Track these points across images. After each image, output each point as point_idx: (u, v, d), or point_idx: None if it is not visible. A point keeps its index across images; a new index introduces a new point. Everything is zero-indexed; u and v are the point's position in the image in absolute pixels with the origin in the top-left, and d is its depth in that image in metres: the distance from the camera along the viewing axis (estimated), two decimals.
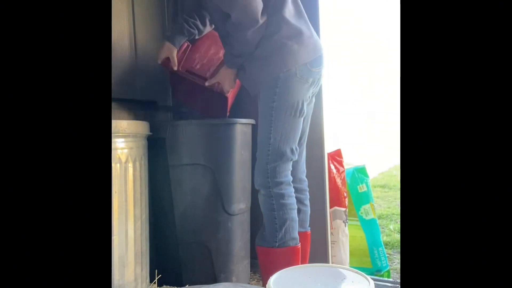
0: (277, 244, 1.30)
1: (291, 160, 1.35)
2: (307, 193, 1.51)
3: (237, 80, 1.46)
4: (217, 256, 1.47)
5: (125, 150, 1.22)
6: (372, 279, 0.93)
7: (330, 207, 1.70)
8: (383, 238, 2.33)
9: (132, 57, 1.72)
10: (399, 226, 1.76)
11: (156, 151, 1.43)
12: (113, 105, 1.53)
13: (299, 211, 1.42)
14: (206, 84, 1.49)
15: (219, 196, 1.46)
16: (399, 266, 1.94)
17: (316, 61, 1.31)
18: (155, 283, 1.42)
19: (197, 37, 1.58)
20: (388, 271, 1.80)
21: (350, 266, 1.60)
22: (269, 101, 1.31)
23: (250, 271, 1.68)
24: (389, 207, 3.38)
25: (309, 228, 1.53)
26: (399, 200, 2.78)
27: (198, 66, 1.58)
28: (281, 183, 1.32)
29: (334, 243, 1.71)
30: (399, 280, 1.65)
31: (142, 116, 1.73)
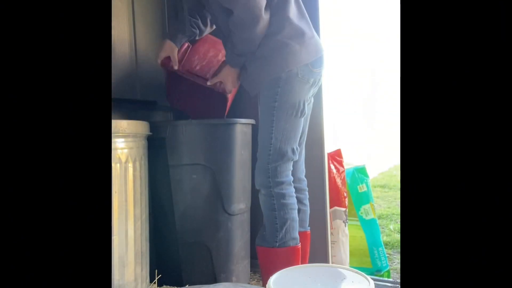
0: (277, 244, 1.30)
1: (292, 160, 1.35)
2: (307, 193, 1.52)
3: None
4: (217, 256, 1.47)
5: (125, 150, 1.22)
6: (372, 279, 0.93)
7: (330, 207, 1.70)
8: (383, 238, 2.33)
9: (132, 57, 1.72)
10: (399, 226, 1.76)
11: (156, 151, 1.43)
12: (113, 105, 1.52)
13: (298, 211, 1.42)
14: (208, 83, 1.47)
15: (219, 196, 1.46)
16: (399, 266, 1.94)
17: (317, 61, 1.32)
18: (155, 283, 1.42)
19: (197, 37, 1.57)
20: (388, 271, 1.80)
21: (350, 266, 1.60)
22: (270, 101, 1.31)
23: (250, 271, 1.68)
24: (389, 207, 3.38)
25: (309, 228, 1.53)
26: (399, 200, 2.78)
27: (198, 67, 1.57)
28: (282, 183, 1.32)
29: (334, 243, 1.71)
30: (399, 280, 1.65)
31: (142, 116, 1.73)
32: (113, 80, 1.55)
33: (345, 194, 1.75)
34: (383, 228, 2.69)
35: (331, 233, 1.70)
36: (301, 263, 1.39)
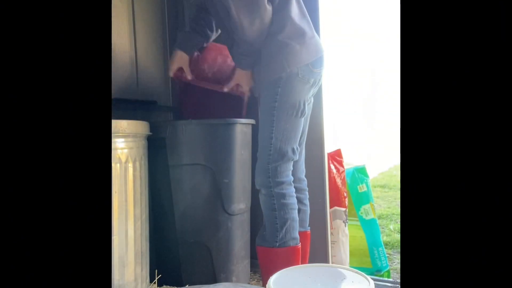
0: (277, 244, 1.30)
1: (292, 160, 1.35)
2: (307, 193, 1.52)
3: None
4: (217, 256, 1.47)
5: (125, 150, 1.22)
6: (372, 279, 0.93)
7: (330, 207, 1.70)
8: (383, 238, 2.33)
9: (132, 57, 1.72)
10: (399, 226, 1.76)
11: (156, 151, 1.43)
12: (113, 105, 1.52)
13: (298, 211, 1.42)
14: (225, 89, 1.47)
15: (219, 196, 1.46)
16: (399, 266, 1.94)
17: (318, 61, 1.32)
18: (155, 283, 1.42)
19: (205, 44, 1.56)
20: (388, 271, 1.80)
21: (350, 266, 1.60)
22: (270, 101, 1.31)
23: (250, 271, 1.68)
24: (389, 207, 3.38)
25: (309, 228, 1.53)
26: (399, 200, 2.78)
27: (210, 75, 1.57)
28: (282, 183, 1.32)
29: (334, 243, 1.71)
30: (399, 280, 1.65)
31: (142, 116, 1.73)
32: (113, 80, 1.55)
33: (345, 194, 1.75)
34: (383, 228, 2.69)
35: (331, 233, 1.70)
36: (301, 263, 1.39)
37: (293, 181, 1.39)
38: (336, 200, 1.73)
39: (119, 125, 1.18)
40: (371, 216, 1.81)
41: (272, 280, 0.92)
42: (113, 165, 1.17)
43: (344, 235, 1.73)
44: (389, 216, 3.05)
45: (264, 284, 1.25)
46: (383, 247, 1.81)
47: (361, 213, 1.81)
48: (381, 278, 1.71)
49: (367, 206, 1.82)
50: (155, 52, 1.81)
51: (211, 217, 1.46)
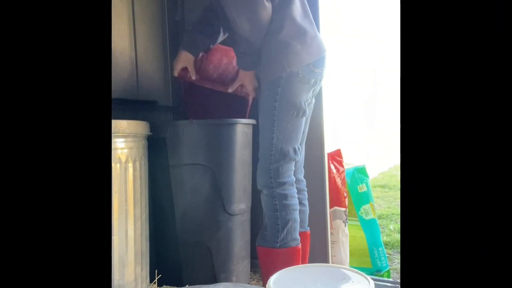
0: (278, 245, 1.30)
1: (294, 160, 1.35)
2: (306, 193, 1.52)
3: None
4: (217, 256, 1.47)
5: (125, 150, 1.22)
6: (372, 279, 0.93)
7: (330, 207, 1.70)
8: (383, 238, 2.33)
9: (132, 57, 1.72)
10: (399, 226, 1.76)
11: (156, 151, 1.43)
12: (113, 105, 1.52)
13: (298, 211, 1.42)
14: (229, 90, 1.47)
15: (219, 196, 1.46)
16: (399, 266, 1.94)
17: (319, 61, 1.31)
18: (155, 283, 1.42)
19: (212, 45, 1.56)
20: (388, 271, 1.80)
21: (350, 266, 1.60)
22: (271, 101, 1.30)
23: (250, 271, 1.68)
24: (389, 207, 3.38)
25: (309, 228, 1.53)
26: (399, 200, 2.78)
27: (215, 76, 1.57)
28: (284, 183, 1.32)
29: (334, 243, 1.71)
30: (399, 280, 1.65)
31: (142, 116, 1.73)
32: (113, 80, 1.55)
33: (345, 194, 1.75)
34: (383, 228, 2.69)
35: (331, 233, 1.70)
36: (301, 263, 1.39)
37: None
38: (336, 200, 1.73)
39: (119, 125, 1.18)
40: (371, 216, 1.81)
41: (272, 280, 0.92)
42: (113, 165, 1.17)
43: (344, 235, 1.73)
44: (389, 216, 3.05)
45: (264, 284, 1.25)
46: (383, 247, 1.81)
47: (361, 213, 1.81)
48: (381, 278, 1.71)
49: (367, 206, 1.82)
50: (155, 52, 1.81)
51: (212, 217, 1.46)
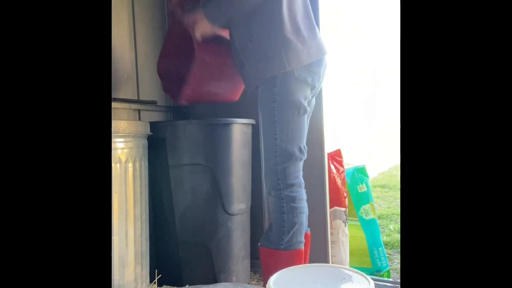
0: (282, 247, 1.28)
1: (300, 160, 1.32)
2: (305, 193, 1.51)
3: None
4: (217, 256, 1.47)
5: (125, 150, 1.22)
6: (372, 279, 0.93)
7: (330, 207, 1.70)
8: (383, 238, 2.33)
9: (132, 57, 1.72)
10: (399, 226, 1.76)
11: (156, 151, 1.43)
12: (113, 105, 1.52)
13: None
14: (185, 20, 1.34)
15: (219, 196, 1.46)
16: (399, 266, 1.94)
17: (317, 61, 1.30)
18: (155, 283, 1.42)
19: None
20: (388, 271, 1.80)
21: (350, 266, 1.60)
22: (269, 101, 1.28)
23: (250, 271, 1.68)
24: (389, 207, 3.38)
25: (309, 229, 1.52)
26: (399, 200, 2.78)
27: (213, 90, 1.50)
28: (292, 185, 1.30)
29: (334, 243, 1.71)
30: (399, 280, 1.65)
31: (142, 116, 1.73)
32: (113, 80, 1.55)
33: (345, 194, 1.75)
34: (383, 228, 2.69)
35: (331, 233, 1.70)
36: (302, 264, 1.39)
37: None
38: (336, 200, 1.73)
39: (119, 125, 1.18)
40: (371, 216, 1.81)
41: (272, 280, 0.92)
42: (113, 165, 1.17)
43: (344, 235, 1.73)
44: (389, 216, 3.05)
45: (265, 284, 1.25)
46: (383, 247, 1.81)
47: (361, 213, 1.81)
48: (381, 278, 1.71)
49: (367, 206, 1.82)
50: (155, 52, 1.81)
51: (211, 217, 1.46)
